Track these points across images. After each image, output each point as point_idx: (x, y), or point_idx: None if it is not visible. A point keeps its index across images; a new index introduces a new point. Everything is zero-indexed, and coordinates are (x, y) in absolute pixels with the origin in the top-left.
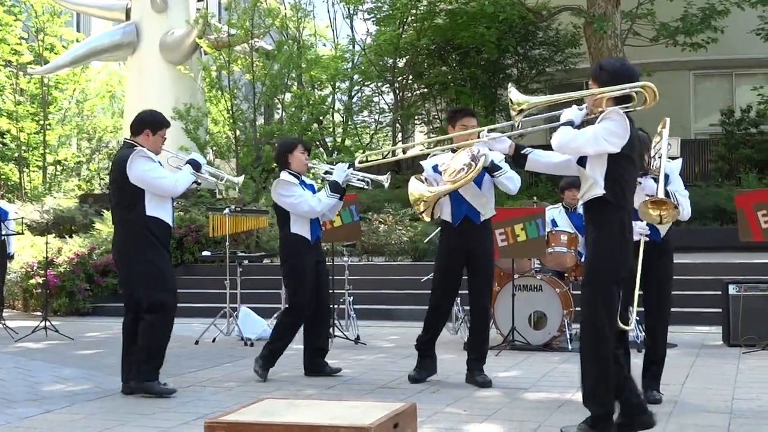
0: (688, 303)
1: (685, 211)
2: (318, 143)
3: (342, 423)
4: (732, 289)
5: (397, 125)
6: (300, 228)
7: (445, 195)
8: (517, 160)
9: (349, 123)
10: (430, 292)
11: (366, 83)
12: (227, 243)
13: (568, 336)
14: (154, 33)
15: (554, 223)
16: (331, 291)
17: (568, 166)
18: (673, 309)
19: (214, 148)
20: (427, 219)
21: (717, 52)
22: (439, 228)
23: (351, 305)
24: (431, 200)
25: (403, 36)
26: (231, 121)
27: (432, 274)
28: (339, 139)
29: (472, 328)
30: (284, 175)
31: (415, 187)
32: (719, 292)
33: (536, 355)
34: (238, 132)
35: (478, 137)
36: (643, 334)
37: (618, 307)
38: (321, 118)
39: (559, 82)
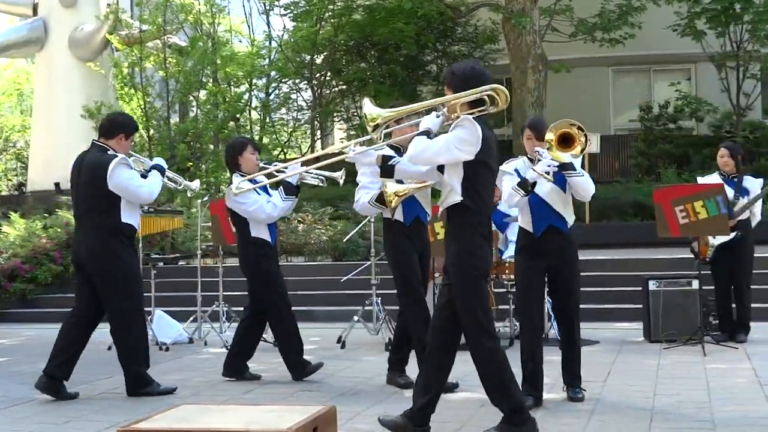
0: (609, 299)
1: (590, 185)
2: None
3: (257, 428)
4: (652, 285)
5: (316, 123)
6: (259, 231)
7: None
8: (384, 171)
9: (267, 121)
10: (349, 292)
11: (283, 80)
12: (140, 245)
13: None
14: (63, 28)
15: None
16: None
17: (434, 173)
18: (593, 306)
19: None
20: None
21: (635, 48)
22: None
23: None
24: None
25: (321, 32)
26: (144, 119)
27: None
28: (256, 137)
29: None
30: (236, 180)
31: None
32: (639, 288)
33: (457, 355)
34: (151, 131)
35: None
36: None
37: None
38: (237, 115)
39: None
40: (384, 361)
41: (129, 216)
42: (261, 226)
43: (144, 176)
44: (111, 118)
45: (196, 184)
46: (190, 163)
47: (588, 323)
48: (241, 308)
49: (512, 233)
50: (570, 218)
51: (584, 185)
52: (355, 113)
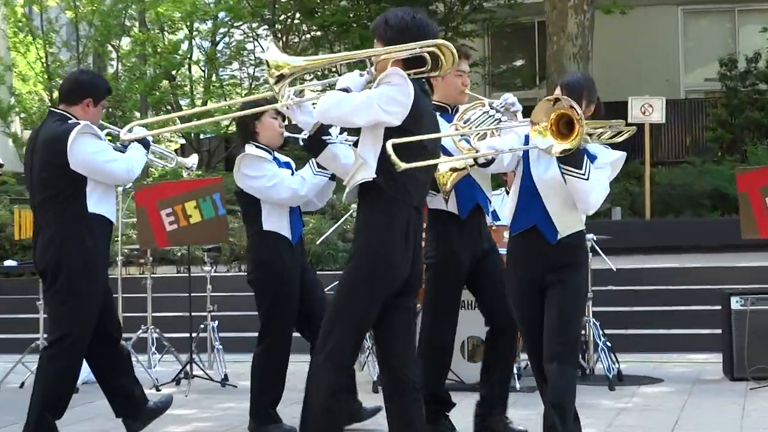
0: (677, 322)
1: (592, 197)
2: (170, 106)
3: None
4: (735, 303)
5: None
6: (275, 222)
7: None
8: (311, 144)
9: (213, 79)
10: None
11: (236, 24)
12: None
13: (515, 371)
14: None
15: (495, 215)
16: (189, 313)
17: None
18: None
19: (23, 116)
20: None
21: None
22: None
23: (215, 332)
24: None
25: None
26: (45, 77)
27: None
28: (198, 102)
29: None
30: (250, 148)
31: None
32: (718, 308)
33: (473, 397)
34: (55, 92)
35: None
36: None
37: (371, 323)
38: (173, 72)
39: (501, 22)
40: (371, 404)
41: (99, 204)
42: (278, 215)
43: (121, 151)
44: (73, 78)
45: (193, 160)
46: (109, 137)
47: (648, 354)
48: (176, 335)
49: None
50: None
51: (585, 193)
52: (334, 69)
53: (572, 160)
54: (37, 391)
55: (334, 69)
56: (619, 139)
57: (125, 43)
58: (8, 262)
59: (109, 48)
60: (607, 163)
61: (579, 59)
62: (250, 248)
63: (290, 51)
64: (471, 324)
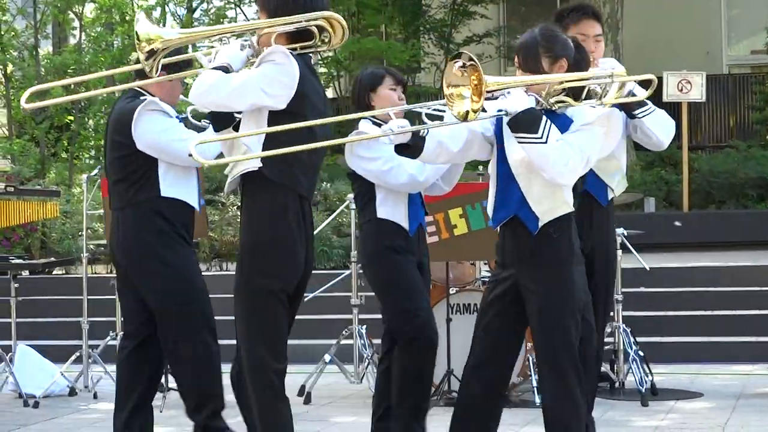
0: (719, 328)
1: (553, 161)
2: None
3: None
4: None
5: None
6: (390, 210)
7: None
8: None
9: (189, 50)
10: (318, 318)
11: None
12: None
13: (535, 384)
14: None
15: None
16: None
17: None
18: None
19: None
20: None
21: None
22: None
23: None
24: None
25: None
26: None
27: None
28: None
29: None
30: (364, 125)
31: None
32: (766, 312)
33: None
34: (10, 66)
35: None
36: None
37: (285, 326)
38: None
39: None
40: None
41: (174, 187)
42: (395, 202)
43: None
44: None
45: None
46: (70, 117)
47: (686, 365)
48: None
49: None
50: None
51: (544, 157)
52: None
53: (523, 124)
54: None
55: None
56: (641, 95)
57: (89, 9)
58: None
59: (71, 15)
60: (586, 123)
61: (607, 29)
62: (360, 238)
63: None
64: None
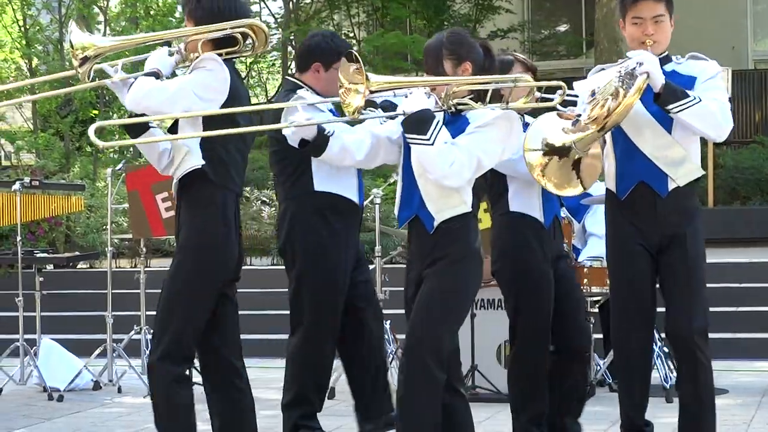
0: (743, 324)
1: (439, 164)
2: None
3: None
4: None
5: (290, 48)
6: (523, 203)
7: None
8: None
9: None
10: None
11: None
12: (19, 238)
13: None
14: None
15: None
16: None
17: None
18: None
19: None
20: (576, 189)
21: None
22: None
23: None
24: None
25: None
26: (23, 42)
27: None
28: None
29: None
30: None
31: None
32: None
33: (496, 409)
34: (35, 60)
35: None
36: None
37: (207, 319)
38: None
39: None
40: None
41: (329, 181)
42: (527, 194)
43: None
44: (303, 43)
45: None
46: (95, 111)
47: (711, 361)
48: None
49: (595, 222)
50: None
51: (428, 160)
52: (351, 33)
53: (413, 125)
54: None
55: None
56: (554, 102)
57: (114, 4)
58: None
59: (96, 10)
60: (479, 126)
61: None
62: (493, 233)
63: (302, 13)
64: (507, 326)
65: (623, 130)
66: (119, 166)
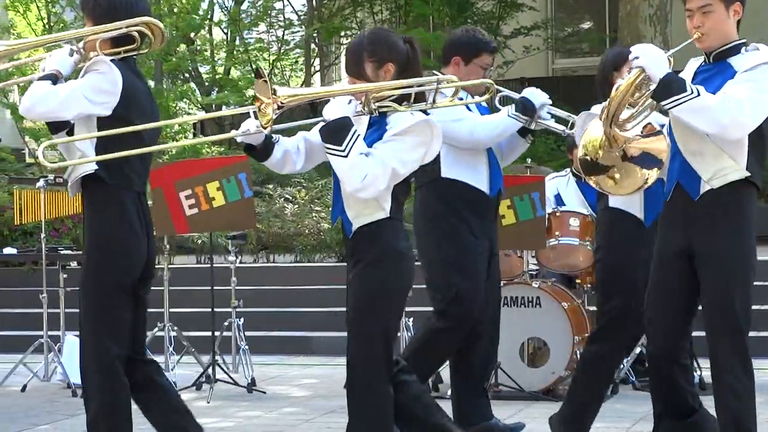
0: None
1: (353, 176)
2: (188, 73)
3: None
4: None
5: (313, 46)
6: (626, 200)
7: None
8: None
9: (237, 43)
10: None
11: None
12: (43, 235)
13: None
14: None
15: (559, 199)
16: (211, 308)
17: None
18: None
19: (22, 84)
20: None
21: None
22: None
23: (241, 331)
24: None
25: None
26: None
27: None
28: (220, 68)
29: None
30: (597, 109)
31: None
32: None
33: (533, 407)
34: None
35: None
36: None
37: (129, 316)
38: (192, 34)
39: None
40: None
41: (455, 167)
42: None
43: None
44: (447, 37)
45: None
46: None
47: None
48: (197, 333)
49: None
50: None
51: (342, 172)
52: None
53: (329, 135)
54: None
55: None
56: (482, 99)
57: None
58: (7, 250)
59: None
60: (395, 134)
61: (655, 22)
62: (597, 227)
63: (325, 10)
64: (531, 324)
65: (672, 130)
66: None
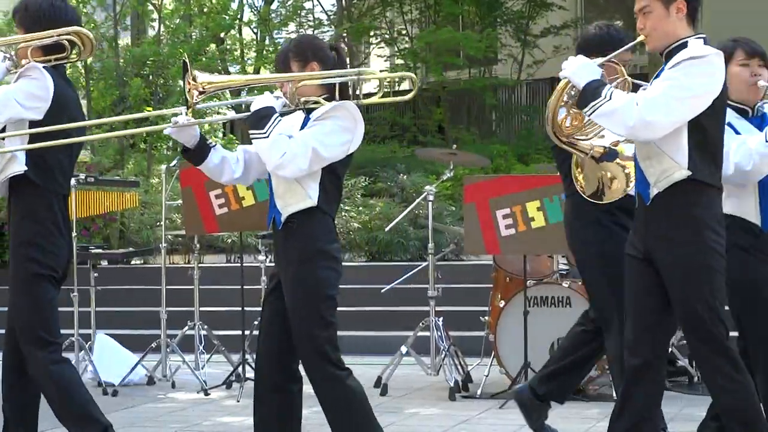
0: None
1: (272, 155)
2: (218, 73)
3: None
4: None
5: (343, 45)
6: (738, 205)
7: None
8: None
9: (267, 43)
10: (394, 309)
11: None
12: (74, 234)
13: (612, 377)
14: None
15: None
16: (241, 307)
17: None
18: None
19: None
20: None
21: None
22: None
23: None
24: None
25: None
26: None
27: None
28: (250, 67)
29: None
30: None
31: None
32: None
33: (564, 407)
34: (90, 58)
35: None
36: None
37: (56, 305)
38: (222, 34)
39: None
40: (447, 414)
41: None
42: (741, 193)
43: None
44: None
45: None
46: (149, 108)
47: None
48: (227, 332)
49: None
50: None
51: (263, 152)
52: (404, 30)
53: (253, 122)
54: None
55: None
56: (408, 96)
57: (168, 1)
58: None
59: (150, 7)
60: (316, 119)
61: None
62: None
63: (355, 10)
64: (561, 324)
65: None
66: (173, 162)
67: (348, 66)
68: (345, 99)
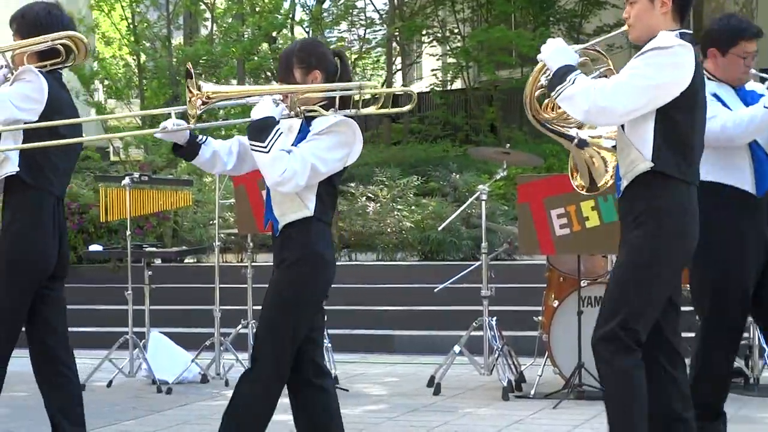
0: None
1: (272, 171)
2: (270, 72)
3: None
4: None
5: (395, 44)
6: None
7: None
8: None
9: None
10: (447, 309)
11: None
12: (128, 232)
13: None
14: None
15: None
16: None
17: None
18: None
19: (106, 83)
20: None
21: None
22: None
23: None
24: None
25: None
26: (132, 39)
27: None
28: None
29: None
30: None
31: None
32: None
33: (559, 407)
34: (143, 57)
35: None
36: None
37: (23, 316)
38: (274, 33)
39: None
40: (501, 414)
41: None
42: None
43: None
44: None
45: None
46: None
47: None
48: None
49: None
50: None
51: (263, 167)
52: (456, 29)
53: (254, 132)
54: None
55: None
56: (405, 108)
57: (220, 1)
58: (93, 247)
59: (203, 7)
60: (316, 134)
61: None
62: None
63: (407, 9)
64: None
65: None
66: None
67: (351, 73)
68: (345, 107)
